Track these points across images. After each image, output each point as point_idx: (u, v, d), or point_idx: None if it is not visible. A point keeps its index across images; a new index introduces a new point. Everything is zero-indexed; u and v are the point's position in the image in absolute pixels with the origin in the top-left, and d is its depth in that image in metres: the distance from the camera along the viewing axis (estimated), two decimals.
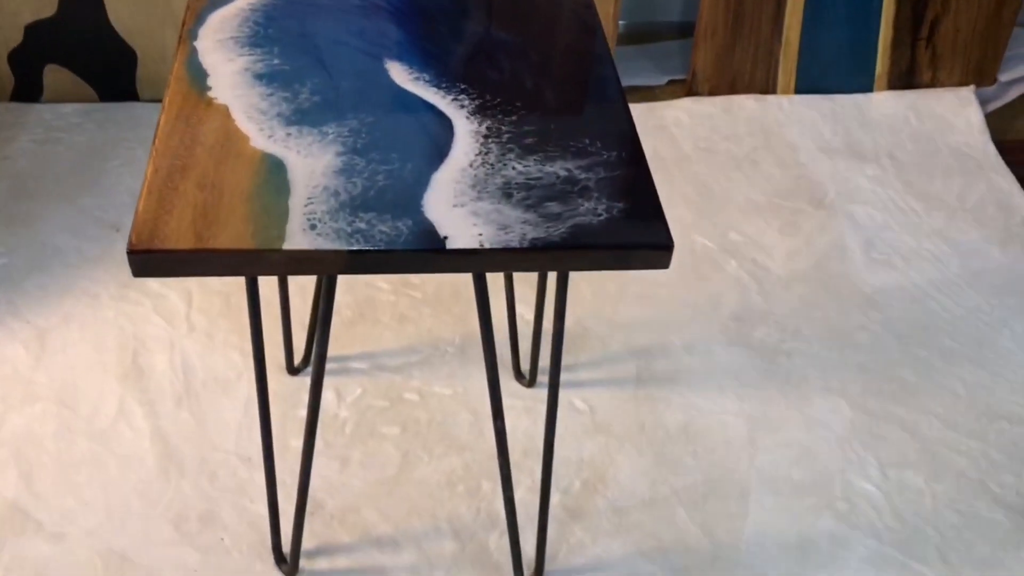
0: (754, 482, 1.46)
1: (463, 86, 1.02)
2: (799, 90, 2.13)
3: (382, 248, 0.83)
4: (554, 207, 0.89)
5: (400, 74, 1.03)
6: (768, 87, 2.12)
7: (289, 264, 0.83)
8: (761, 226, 1.85)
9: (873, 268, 1.79)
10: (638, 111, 2.08)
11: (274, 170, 0.90)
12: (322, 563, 1.33)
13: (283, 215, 0.86)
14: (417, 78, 1.02)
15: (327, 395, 1.52)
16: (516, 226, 0.87)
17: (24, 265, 1.66)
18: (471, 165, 0.93)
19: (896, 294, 1.75)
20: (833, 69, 2.11)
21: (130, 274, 1.65)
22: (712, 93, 2.11)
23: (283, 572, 1.31)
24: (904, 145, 2.06)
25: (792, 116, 2.10)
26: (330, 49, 1.05)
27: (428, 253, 0.84)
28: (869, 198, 1.93)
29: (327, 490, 1.41)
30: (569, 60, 1.07)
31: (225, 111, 0.95)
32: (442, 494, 1.41)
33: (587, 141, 0.97)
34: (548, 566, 1.35)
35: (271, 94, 0.98)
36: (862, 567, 1.37)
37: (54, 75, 1.95)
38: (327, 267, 0.84)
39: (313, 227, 0.85)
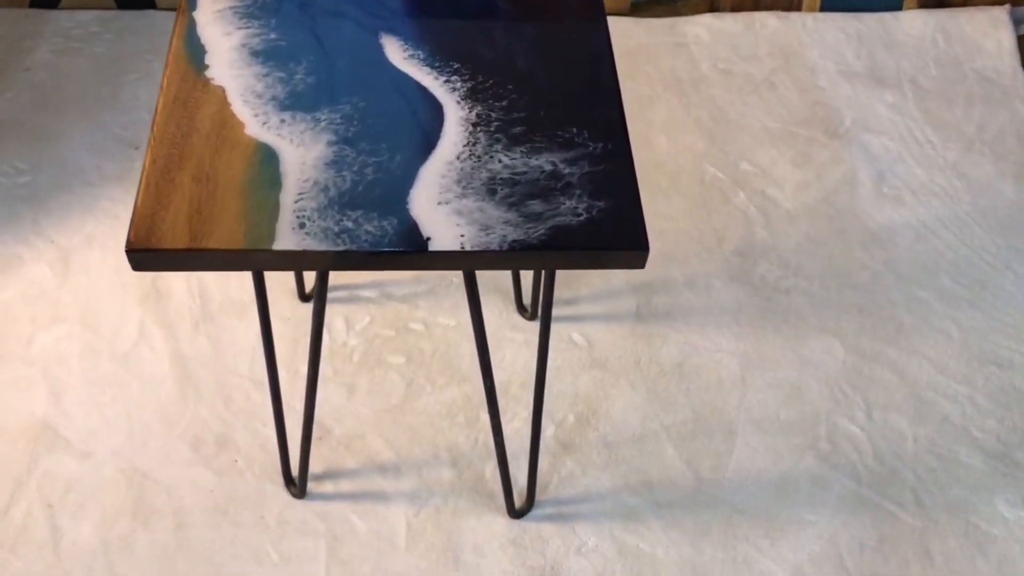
0: (742, 421, 1.52)
1: (456, 65, 1.03)
2: (825, 7, 2.07)
3: (367, 250, 0.87)
4: (536, 206, 0.92)
5: (395, 51, 1.04)
6: (793, 3, 2.07)
7: (279, 262, 0.88)
8: (773, 156, 1.85)
9: (881, 203, 1.80)
10: (658, 26, 2.05)
11: (267, 161, 0.93)
12: (328, 487, 1.43)
13: (274, 211, 0.89)
14: (412, 55, 1.04)
15: (337, 322, 1.59)
16: (497, 227, 0.90)
17: (47, 183, 1.72)
18: (458, 158, 0.95)
19: (902, 231, 1.76)
20: None
21: None
22: (735, 9, 2.07)
23: (292, 494, 1.41)
24: (928, 69, 2.02)
25: (815, 36, 2.05)
26: (327, 22, 1.06)
27: (411, 254, 0.88)
28: (885, 127, 1.91)
29: (335, 417, 1.49)
30: (565, 34, 1.07)
31: (222, 94, 0.98)
32: (443, 423, 1.49)
33: (575, 131, 0.98)
34: (539, 496, 1.44)
35: (267, 74, 1.00)
36: (839, 506, 1.45)
37: None
38: (315, 265, 0.88)
39: (302, 225, 0.89)
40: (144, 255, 0.86)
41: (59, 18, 1.97)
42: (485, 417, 1.50)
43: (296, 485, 1.41)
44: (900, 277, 1.70)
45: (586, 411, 1.52)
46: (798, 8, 2.07)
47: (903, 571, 1.39)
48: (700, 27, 2.06)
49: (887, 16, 2.09)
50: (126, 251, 0.85)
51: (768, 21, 2.06)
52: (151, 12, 1.99)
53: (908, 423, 1.54)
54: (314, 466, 1.44)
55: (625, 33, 2.04)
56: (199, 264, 0.87)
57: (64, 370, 1.51)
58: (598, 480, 1.45)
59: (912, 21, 2.09)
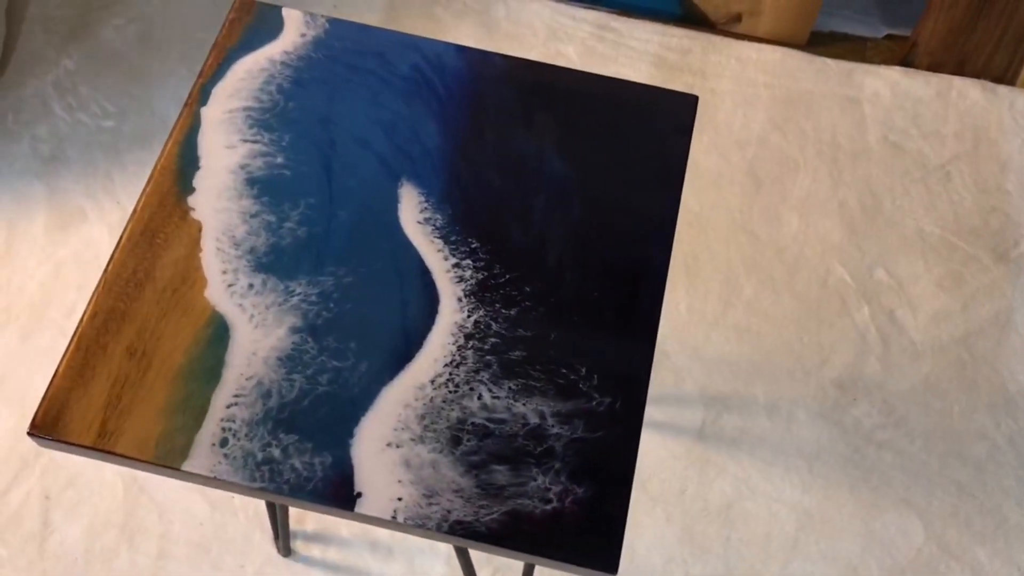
0: None
1: (474, 244, 0.86)
2: None
3: (284, 493, 0.75)
4: (500, 475, 0.76)
5: (410, 208, 0.87)
6: (1006, 75, 1.72)
7: (188, 478, 0.77)
8: (919, 269, 1.57)
9: None
10: (834, 71, 1.75)
11: (216, 340, 0.80)
12: (316, 551, 1.36)
13: (200, 415, 0.77)
14: (427, 219, 0.87)
15: None
16: (445, 495, 0.75)
17: (130, 132, 1.64)
18: (432, 382, 0.80)
19: None
20: None
21: None
22: (933, 67, 1.74)
23: (277, 549, 1.35)
24: None
25: (1021, 122, 1.71)
26: (346, 150, 0.90)
27: (334, 508, 0.75)
28: None
29: None
30: (618, 226, 0.87)
31: (196, 234, 0.85)
32: None
33: (583, 371, 0.81)
34: None
35: (255, 214, 0.86)
36: None
37: None
38: (230, 489, 0.77)
39: (224, 442, 0.77)
40: (47, 440, 0.77)
41: None
42: None
43: (282, 541, 1.35)
44: (1023, 461, 1.44)
45: None
46: (1012, 81, 1.72)
47: None
48: (883, 82, 1.74)
49: None
50: (28, 432, 0.76)
51: (969, 91, 1.72)
52: None
53: None
54: (307, 524, 1.37)
55: (791, 72, 1.75)
56: (107, 460, 0.77)
57: None
58: None
59: None
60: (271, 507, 1.33)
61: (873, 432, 1.45)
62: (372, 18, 1.75)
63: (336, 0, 1.76)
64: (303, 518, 1.37)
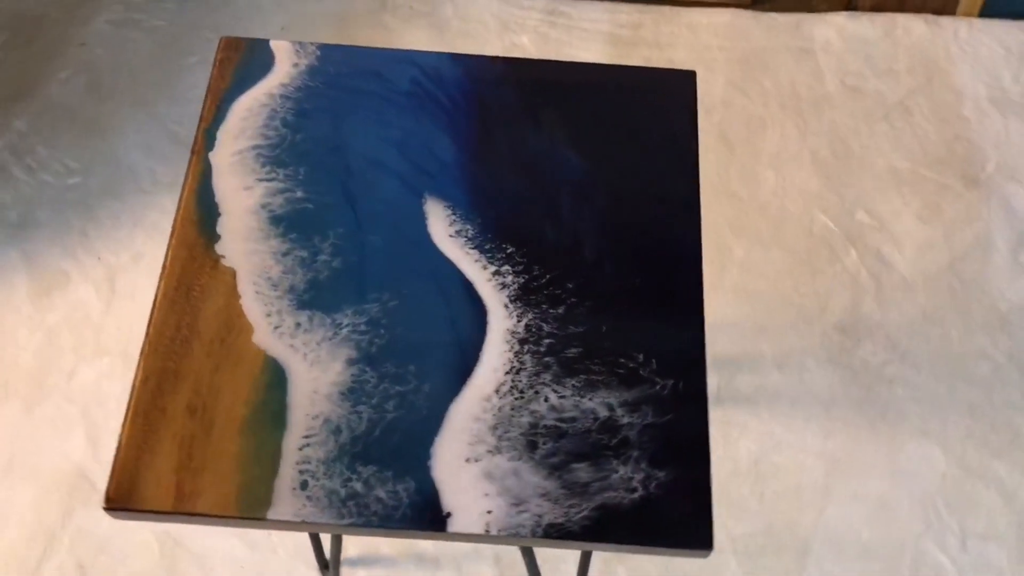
0: (818, 539, 1.38)
1: (510, 250, 0.86)
2: (986, 12, 1.76)
3: (375, 525, 0.75)
4: (583, 472, 0.77)
5: (439, 223, 0.87)
6: (945, 6, 1.76)
7: (276, 526, 0.76)
8: (897, 206, 1.62)
9: (1017, 276, 1.56)
10: (783, 25, 1.78)
11: (274, 385, 0.80)
12: (361, 574, 1.35)
13: (274, 461, 0.77)
14: (459, 232, 0.87)
15: None
16: (533, 501, 0.76)
17: (98, 187, 1.61)
18: (497, 392, 0.80)
19: None
20: None
21: None
22: (876, 8, 1.77)
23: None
24: None
25: (968, 50, 1.75)
26: (364, 174, 0.89)
27: (427, 532, 0.75)
28: None
29: None
30: (645, 209, 0.88)
31: (231, 280, 0.84)
32: None
33: (641, 358, 0.82)
34: None
35: (287, 252, 0.85)
36: None
37: None
38: (320, 530, 0.76)
39: (304, 485, 0.76)
40: (125, 512, 0.75)
41: None
42: None
43: (329, 569, 1.34)
44: None
45: None
46: (952, 11, 1.77)
47: None
48: (832, 29, 1.78)
49: None
50: (104, 507, 0.75)
51: (913, 26, 1.77)
52: None
53: (1007, 559, 1.37)
54: (348, 550, 1.36)
55: (742, 32, 1.78)
56: (190, 522, 0.76)
57: (103, 412, 1.44)
58: None
59: None
60: (315, 539, 1.32)
61: (881, 369, 1.49)
62: (323, 35, 1.73)
63: (284, 23, 1.74)
64: (344, 544, 1.36)
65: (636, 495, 0.77)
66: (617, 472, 0.77)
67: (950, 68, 1.74)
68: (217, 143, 0.90)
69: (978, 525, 1.39)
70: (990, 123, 1.69)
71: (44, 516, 1.37)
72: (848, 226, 1.60)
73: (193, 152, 0.89)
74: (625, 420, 0.79)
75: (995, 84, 1.73)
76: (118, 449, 0.77)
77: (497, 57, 0.96)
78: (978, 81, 1.73)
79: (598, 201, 0.89)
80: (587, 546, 0.75)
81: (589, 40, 1.75)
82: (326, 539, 1.34)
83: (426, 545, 1.37)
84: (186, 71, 1.71)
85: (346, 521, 0.75)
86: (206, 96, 0.92)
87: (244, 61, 0.95)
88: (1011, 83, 1.73)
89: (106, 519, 1.38)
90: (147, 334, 0.81)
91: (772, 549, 1.37)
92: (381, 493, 0.76)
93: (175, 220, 0.86)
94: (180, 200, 0.87)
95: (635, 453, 0.78)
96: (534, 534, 0.75)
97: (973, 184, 1.64)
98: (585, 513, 0.76)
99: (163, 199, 1.60)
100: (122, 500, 0.75)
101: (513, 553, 1.36)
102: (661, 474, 0.77)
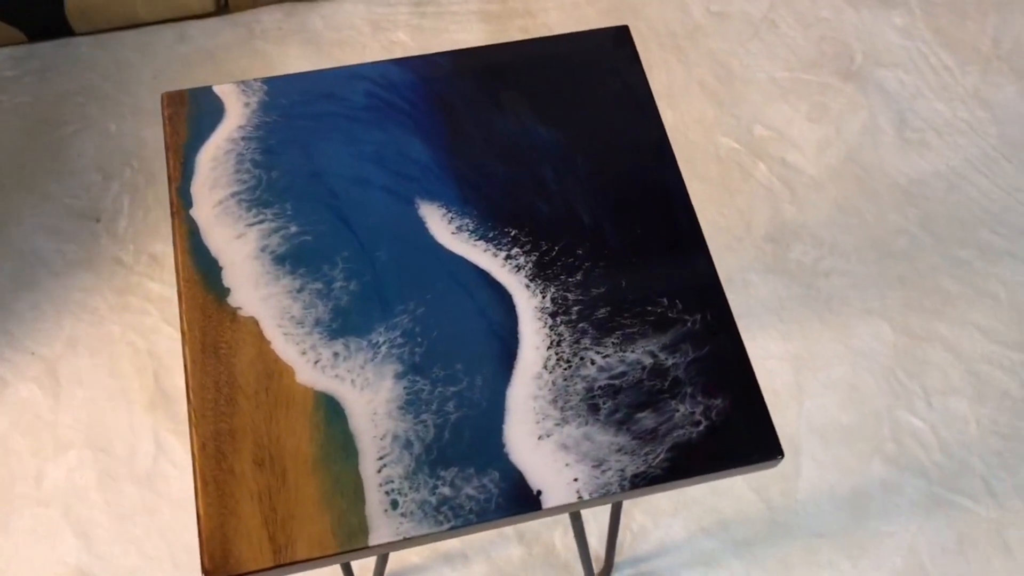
0: (804, 433, 1.47)
1: (512, 232, 0.88)
2: None
3: (474, 522, 0.76)
4: (647, 419, 0.81)
5: (439, 224, 0.89)
6: None
7: (377, 551, 0.77)
8: (787, 113, 1.71)
9: (907, 151, 1.68)
10: None
11: (333, 418, 0.80)
12: None
13: (357, 490, 0.77)
14: (459, 227, 0.88)
15: None
16: (611, 458, 0.79)
17: (8, 282, 1.53)
18: (546, 367, 0.83)
19: (932, 182, 1.66)
20: None
21: (123, 276, 1.53)
22: None
23: None
24: None
25: None
26: (351, 195, 0.89)
27: (525, 514, 0.77)
28: (899, 57, 1.77)
29: None
30: (624, 164, 0.92)
31: (255, 327, 0.83)
32: None
33: (665, 301, 0.86)
34: (615, 558, 1.39)
35: (301, 288, 0.85)
36: (913, 511, 1.42)
37: None
38: (423, 543, 0.78)
39: (395, 505, 0.77)
40: None
41: None
42: None
43: None
44: (938, 237, 1.61)
45: None
46: None
47: (985, 570, 1.38)
48: None
49: None
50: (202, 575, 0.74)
51: None
52: (68, 40, 1.73)
53: (968, 404, 1.49)
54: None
55: None
56: (293, 571, 0.76)
57: (85, 505, 1.39)
58: (671, 529, 1.40)
59: None
60: (347, 568, 1.31)
61: (815, 265, 1.58)
62: (199, 76, 1.69)
63: (155, 71, 1.69)
64: (369, 564, 1.36)
65: (701, 427, 0.81)
66: (678, 411, 0.81)
67: None
68: (194, 199, 0.89)
69: (936, 383, 1.50)
70: (847, 18, 1.81)
71: None
72: (750, 142, 1.68)
73: (173, 214, 0.88)
74: (670, 362, 0.83)
75: None
76: (199, 520, 0.76)
77: (438, 53, 0.97)
78: None
79: (579, 167, 0.92)
80: (673, 486, 0.79)
81: (464, 22, 1.77)
82: (356, 563, 1.33)
83: (451, 544, 1.38)
84: (66, 141, 1.64)
85: (446, 526, 0.76)
86: (167, 154, 0.90)
87: (193, 112, 0.93)
88: None
89: None
90: (189, 402, 0.80)
91: None
92: (470, 490, 0.78)
93: (177, 284, 0.85)
94: (176, 264, 0.85)
95: (688, 389, 0.82)
96: (622, 488, 0.78)
97: (848, 77, 1.75)
98: (662, 456, 0.80)
99: (80, 277, 1.54)
100: (220, 569, 0.74)
101: (535, 528, 1.39)
102: (717, 401, 0.82)
